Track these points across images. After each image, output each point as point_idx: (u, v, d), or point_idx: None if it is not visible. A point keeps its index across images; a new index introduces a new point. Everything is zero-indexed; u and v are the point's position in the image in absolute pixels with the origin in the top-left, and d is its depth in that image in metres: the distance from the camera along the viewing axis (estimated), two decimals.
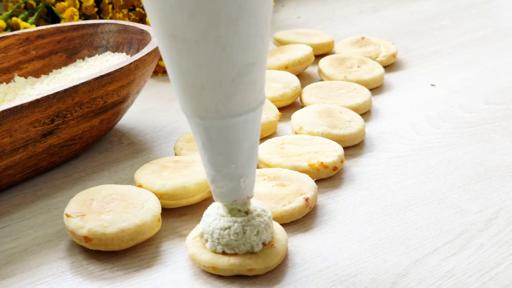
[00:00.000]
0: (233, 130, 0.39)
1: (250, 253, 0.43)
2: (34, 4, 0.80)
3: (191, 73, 0.38)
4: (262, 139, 0.59)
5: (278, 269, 0.44)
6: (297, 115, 0.62)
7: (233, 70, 0.37)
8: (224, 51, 0.37)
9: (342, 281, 0.43)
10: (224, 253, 0.43)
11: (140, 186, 0.50)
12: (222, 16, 0.35)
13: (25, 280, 0.44)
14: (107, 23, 0.65)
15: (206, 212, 0.45)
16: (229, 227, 0.43)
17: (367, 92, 0.67)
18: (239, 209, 0.43)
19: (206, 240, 0.44)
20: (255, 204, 0.45)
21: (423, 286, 0.43)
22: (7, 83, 0.62)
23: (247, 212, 0.44)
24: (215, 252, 0.44)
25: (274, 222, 0.47)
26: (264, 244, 0.44)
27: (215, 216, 0.44)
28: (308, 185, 0.51)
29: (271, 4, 0.38)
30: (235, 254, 0.43)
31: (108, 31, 0.65)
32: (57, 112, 0.51)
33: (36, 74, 0.64)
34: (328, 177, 0.55)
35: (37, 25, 0.79)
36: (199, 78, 0.38)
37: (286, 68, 0.72)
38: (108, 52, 0.64)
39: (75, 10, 0.75)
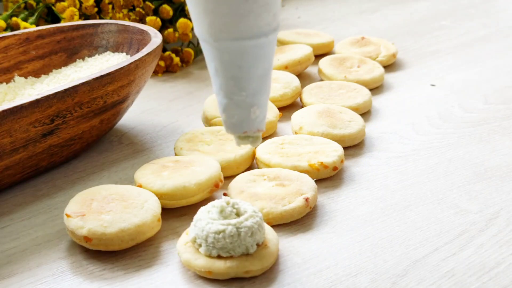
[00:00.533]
0: (244, 54, 0.39)
1: (246, 255, 0.43)
2: (34, 4, 0.80)
3: None
4: (262, 139, 0.59)
5: (278, 270, 0.44)
6: (297, 115, 0.62)
7: None
8: None
9: (342, 281, 0.43)
10: (219, 256, 0.43)
11: (140, 186, 0.50)
12: None
13: (25, 280, 0.44)
14: (107, 23, 0.65)
15: (196, 217, 0.45)
16: (224, 230, 0.43)
17: (367, 92, 0.67)
18: (249, 140, 0.42)
19: (200, 245, 0.44)
20: (245, 206, 0.45)
21: (423, 286, 0.43)
22: (7, 83, 0.62)
23: (238, 214, 0.44)
24: (210, 256, 0.43)
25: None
26: (258, 245, 0.44)
27: (207, 220, 0.43)
28: (308, 185, 0.51)
29: None
30: (231, 257, 0.43)
31: (108, 31, 0.65)
32: (57, 112, 0.51)
33: (36, 74, 0.64)
34: (328, 177, 0.55)
35: (37, 25, 0.79)
36: None
37: (286, 68, 0.72)
38: (108, 52, 0.64)
39: (75, 10, 0.75)
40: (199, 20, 0.40)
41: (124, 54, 0.63)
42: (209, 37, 0.39)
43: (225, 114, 0.42)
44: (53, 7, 0.77)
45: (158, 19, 0.76)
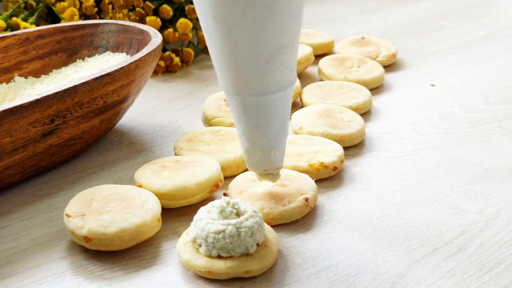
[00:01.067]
0: (265, 107, 0.44)
1: (246, 255, 0.43)
2: (34, 4, 0.80)
3: (230, 52, 0.42)
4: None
5: (278, 270, 0.44)
6: (297, 115, 0.62)
7: (267, 52, 0.42)
8: (259, 34, 0.41)
9: (342, 281, 0.43)
10: (219, 256, 0.43)
11: (140, 186, 0.50)
12: (258, 1, 0.40)
13: (25, 280, 0.44)
14: (107, 23, 0.65)
15: (196, 217, 0.45)
16: (224, 231, 0.43)
17: (367, 92, 0.67)
18: (270, 177, 0.48)
19: (200, 245, 0.44)
20: (245, 206, 0.45)
21: (423, 286, 0.43)
22: (7, 83, 0.62)
23: (238, 214, 0.44)
24: (210, 256, 0.43)
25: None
26: (258, 245, 0.44)
27: (207, 221, 0.43)
28: (308, 185, 0.51)
29: None
30: (231, 257, 0.43)
31: (108, 31, 0.65)
32: (57, 112, 0.51)
33: (36, 74, 0.64)
34: (328, 177, 0.55)
35: (37, 25, 0.79)
36: (237, 58, 0.42)
37: None
38: (108, 52, 0.64)
39: (75, 10, 0.75)
40: (223, 76, 0.44)
41: (124, 54, 0.63)
42: (232, 92, 0.44)
43: (247, 155, 0.47)
44: (53, 7, 0.77)
45: (158, 19, 0.76)
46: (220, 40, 0.42)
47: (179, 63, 0.78)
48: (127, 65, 0.55)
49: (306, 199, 0.49)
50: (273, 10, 0.40)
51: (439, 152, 0.59)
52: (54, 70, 0.64)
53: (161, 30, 0.78)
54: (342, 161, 0.55)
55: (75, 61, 0.65)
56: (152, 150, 0.60)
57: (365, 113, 0.66)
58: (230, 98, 0.45)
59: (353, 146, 0.60)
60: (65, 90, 0.51)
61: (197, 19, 0.81)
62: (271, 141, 0.46)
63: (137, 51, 0.62)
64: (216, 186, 0.51)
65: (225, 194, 0.51)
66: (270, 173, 0.48)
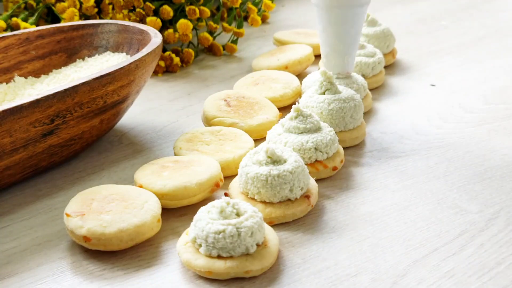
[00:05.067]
0: (346, 18, 0.60)
1: (246, 255, 0.43)
2: (34, 4, 0.80)
3: None
4: (262, 139, 0.59)
5: (278, 270, 0.44)
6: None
7: None
8: None
9: (342, 281, 0.43)
10: (219, 256, 0.43)
11: (140, 186, 0.50)
12: None
13: (25, 280, 0.44)
14: (107, 23, 0.65)
15: (196, 217, 0.45)
16: (224, 231, 0.43)
17: (367, 92, 0.67)
18: (342, 77, 0.63)
19: (200, 245, 0.44)
20: (245, 206, 0.45)
21: (423, 286, 0.43)
22: (7, 83, 0.62)
23: (238, 214, 0.44)
24: (210, 256, 0.43)
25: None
26: (258, 245, 0.44)
27: (207, 221, 0.43)
28: (309, 184, 0.51)
29: None
30: (231, 257, 0.43)
31: (108, 31, 0.65)
32: (57, 112, 0.51)
33: (36, 74, 0.64)
34: (328, 177, 0.55)
35: (37, 25, 0.79)
36: None
37: (286, 68, 0.72)
38: (108, 52, 0.64)
39: (75, 10, 0.75)
40: None
41: (124, 54, 0.63)
42: (322, 3, 0.59)
43: (326, 59, 0.63)
44: (53, 8, 0.77)
45: (158, 20, 0.76)
46: None
47: (179, 63, 0.78)
48: (127, 65, 0.55)
49: (308, 198, 0.49)
50: None
51: (439, 152, 0.59)
52: (54, 70, 0.64)
53: (161, 30, 0.78)
54: (342, 161, 0.55)
55: (75, 61, 0.65)
56: (152, 150, 0.60)
57: (365, 113, 0.66)
58: (318, 9, 0.60)
59: (353, 146, 0.60)
60: (65, 90, 0.51)
61: (197, 20, 0.81)
62: (345, 48, 0.61)
63: (137, 51, 0.62)
64: (217, 185, 0.51)
65: (226, 194, 0.51)
66: (341, 76, 0.63)
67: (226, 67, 0.79)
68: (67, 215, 0.46)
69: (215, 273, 0.43)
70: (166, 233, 0.48)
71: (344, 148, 0.58)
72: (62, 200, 0.53)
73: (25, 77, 0.63)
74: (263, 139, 0.59)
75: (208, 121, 0.62)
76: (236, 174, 0.54)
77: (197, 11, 0.78)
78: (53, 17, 0.81)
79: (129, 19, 0.77)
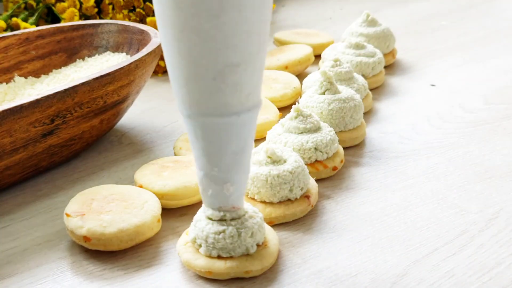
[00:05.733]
0: (215, 131, 0.39)
1: (246, 255, 0.43)
2: (34, 4, 0.80)
3: (177, 63, 0.38)
4: (262, 139, 0.59)
5: (278, 270, 0.44)
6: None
7: (214, 67, 0.37)
8: (205, 45, 0.36)
9: (342, 281, 0.43)
10: (219, 257, 0.43)
11: (141, 186, 0.50)
12: (202, 7, 0.35)
13: (25, 280, 0.44)
14: (107, 23, 0.65)
15: (196, 217, 0.44)
16: (224, 231, 0.43)
17: (367, 92, 0.67)
18: (224, 218, 0.43)
19: (200, 245, 0.44)
20: (245, 205, 0.45)
21: (423, 286, 0.43)
22: (7, 83, 0.62)
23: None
24: (210, 256, 0.43)
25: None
26: (258, 245, 0.44)
27: (206, 221, 0.43)
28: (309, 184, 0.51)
29: (263, 1, 0.37)
30: (231, 258, 0.43)
31: (108, 31, 0.65)
32: (57, 112, 0.51)
33: (36, 74, 0.64)
34: (328, 177, 0.55)
35: (37, 25, 0.79)
36: (183, 70, 0.38)
37: (286, 68, 0.72)
38: (108, 52, 0.64)
39: (76, 10, 0.75)
40: (175, 93, 0.40)
41: (124, 54, 0.63)
42: (183, 110, 0.40)
43: (201, 186, 0.42)
44: (53, 8, 0.77)
45: None
46: (169, 49, 0.38)
47: None
48: (127, 65, 0.55)
49: (308, 197, 0.49)
50: (219, 18, 0.36)
51: (439, 152, 0.59)
52: (54, 70, 0.64)
53: None
54: (342, 161, 0.55)
55: (75, 61, 0.65)
56: (152, 150, 0.60)
57: (365, 113, 0.66)
58: (183, 119, 0.40)
59: (353, 146, 0.60)
60: (65, 90, 0.51)
61: None
62: (223, 172, 0.40)
63: (137, 51, 0.62)
64: None
65: None
66: (225, 211, 0.42)
67: None
68: (67, 215, 0.46)
69: (215, 273, 0.43)
70: (166, 233, 0.48)
71: (344, 148, 0.58)
72: (62, 200, 0.53)
73: (25, 77, 0.63)
74: (263, 139, 0.59)
75: None
76: None
77: None
78: (53, 17, 0.81)
79: (129, 19, 0.77)
